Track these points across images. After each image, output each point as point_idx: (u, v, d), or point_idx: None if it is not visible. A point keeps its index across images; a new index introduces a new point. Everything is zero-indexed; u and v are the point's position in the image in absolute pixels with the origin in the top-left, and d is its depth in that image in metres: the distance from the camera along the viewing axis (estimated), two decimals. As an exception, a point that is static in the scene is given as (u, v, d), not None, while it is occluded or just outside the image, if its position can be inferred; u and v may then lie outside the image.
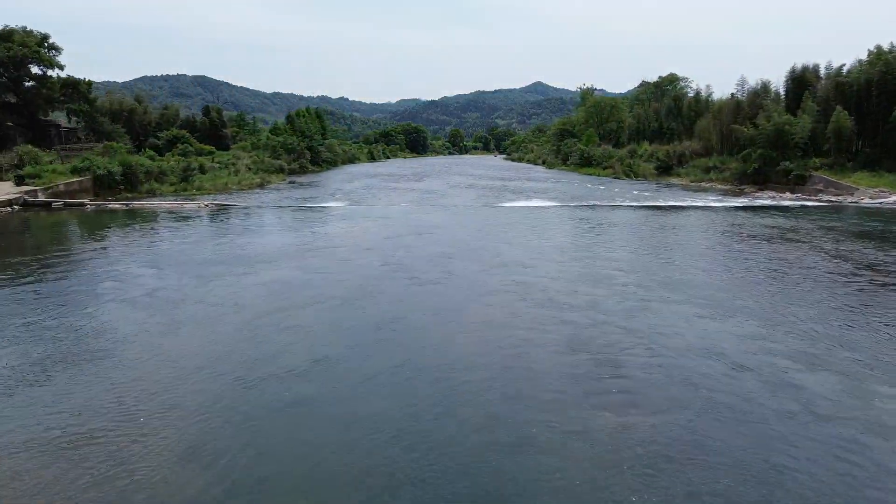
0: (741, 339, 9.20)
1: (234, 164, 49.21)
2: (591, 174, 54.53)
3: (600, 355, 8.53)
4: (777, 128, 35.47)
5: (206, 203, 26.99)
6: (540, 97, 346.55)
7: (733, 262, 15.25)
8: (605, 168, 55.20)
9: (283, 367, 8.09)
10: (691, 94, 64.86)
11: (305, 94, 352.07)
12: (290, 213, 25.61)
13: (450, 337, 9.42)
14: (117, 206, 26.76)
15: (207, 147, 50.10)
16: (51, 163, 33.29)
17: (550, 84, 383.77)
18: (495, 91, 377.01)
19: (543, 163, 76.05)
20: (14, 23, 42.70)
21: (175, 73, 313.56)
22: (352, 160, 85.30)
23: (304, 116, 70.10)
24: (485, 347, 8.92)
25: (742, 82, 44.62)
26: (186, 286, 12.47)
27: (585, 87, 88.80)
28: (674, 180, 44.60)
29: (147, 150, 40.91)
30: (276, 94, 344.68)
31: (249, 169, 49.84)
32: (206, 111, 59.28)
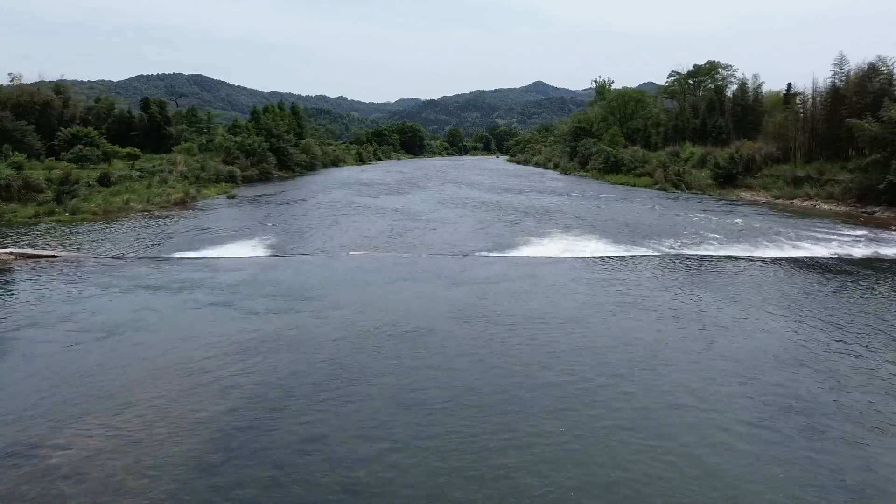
0: None
1: (165, 170, 37.14)
2: (622, 183, 42.17)
3: None
4: (928, 123, 23.21)
5: (-8, 255, 14.64)
6: (540, 97, 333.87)
7: None
8: (639, 175, 42.88)
9: None
10: (734, 85, 52.71)
11: (304, 94, 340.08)
12: (133, 278, 13.31)
13: None
14: None
15: (129, 149, 37.81)
16: None
17: (550, 84, 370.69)
18: (495, 90, 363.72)
19: (555, 166, 63.63)
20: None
21: (171, 73, 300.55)
22: (335, 163, 72.86)
23: (272, 112, 57.70)
24: None
25: (841, 61, 32.14)
26: None
27: (600, 80, 76.26)
28: (744, 194, 32.26)
29: (16, 153, 28.52)
30: (273, 94, 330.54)
31: (185, 178, 37.77)
32: (146, 105, 46.88)
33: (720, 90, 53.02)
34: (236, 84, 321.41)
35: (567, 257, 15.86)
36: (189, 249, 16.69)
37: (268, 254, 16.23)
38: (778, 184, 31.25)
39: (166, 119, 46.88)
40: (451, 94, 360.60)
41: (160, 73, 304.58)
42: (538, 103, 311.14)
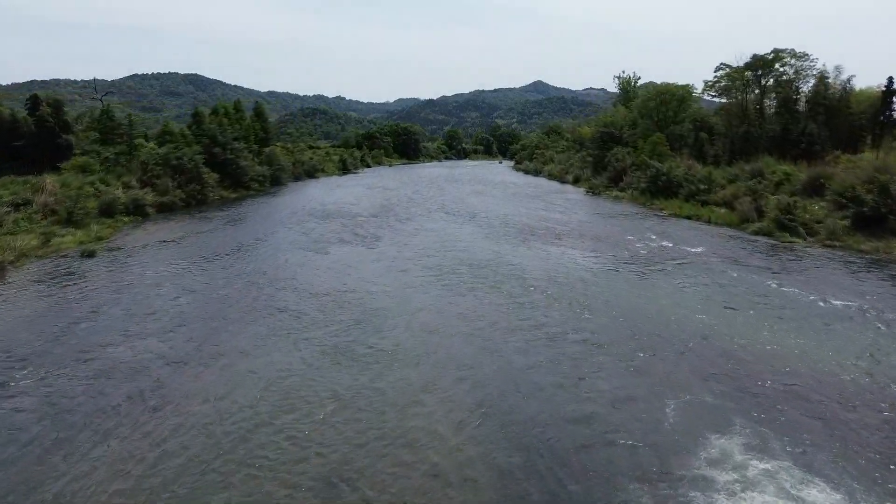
0: None
1: (12, 203, 24.36)
2: (686, 216, 28.91)
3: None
4: None
5: None
6: (540, 97, 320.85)
7: None
8: (706, 203, 29.74)
9: None
10: (811, 80, 39.49)
11: (301, 94, 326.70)
12: None
13: None
14: None
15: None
16: None
17: (550, 84, 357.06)
18: (495, 90, 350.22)
19: (576, 181, 50.28)
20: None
21: (166, 72, 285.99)
22: (311, 173, 59.59)
23: (224, 112, 44.37)
24: None
25: None
26: None
27: (624, 75, 62.92)
28: (921, 252, 19.11)
29: None
30: (271, 94, 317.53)
31: (53, 213, 25.00)
32: (34, 105, 33.54)
33: (792, 86, 39.76)
34: (233, 84, 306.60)
35: None
36: None
37: None
38: None
39: (63, 124, 33.66)
40: (450, 93, 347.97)
41: (155, 72, 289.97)
42: (538, 103, 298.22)
